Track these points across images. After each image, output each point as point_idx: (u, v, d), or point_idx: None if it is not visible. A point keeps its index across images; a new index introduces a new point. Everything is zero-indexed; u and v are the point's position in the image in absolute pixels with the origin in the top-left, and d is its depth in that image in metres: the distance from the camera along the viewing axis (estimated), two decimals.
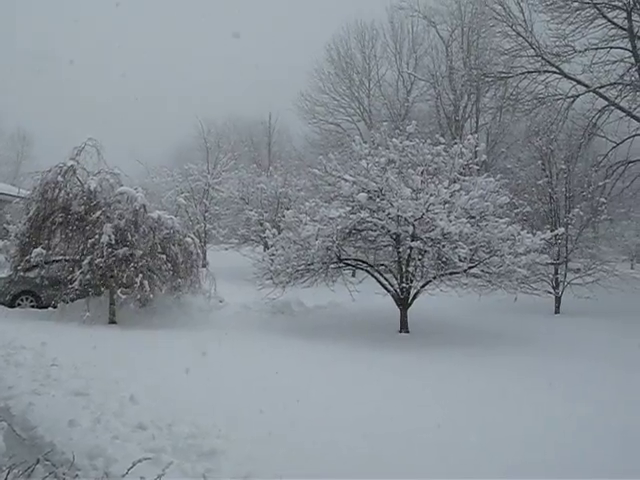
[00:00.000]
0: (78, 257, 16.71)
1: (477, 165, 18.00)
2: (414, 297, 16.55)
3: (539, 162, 22.56)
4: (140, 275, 16.09)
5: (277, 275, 16.55)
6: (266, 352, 13.17)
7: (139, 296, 16.36)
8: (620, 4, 26.70)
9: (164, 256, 16.67)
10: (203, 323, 16.74)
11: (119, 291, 16.34)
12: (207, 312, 17.73)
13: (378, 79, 39.28)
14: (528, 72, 28.88)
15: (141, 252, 16.31)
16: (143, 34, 62.64)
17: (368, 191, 15.57)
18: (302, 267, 16.32)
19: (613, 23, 27.17)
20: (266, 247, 23.89)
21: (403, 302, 16.40)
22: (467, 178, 16.61)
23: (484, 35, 34.58)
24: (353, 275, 19.88)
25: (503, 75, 29.71)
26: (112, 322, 16.53)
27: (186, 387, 9.58)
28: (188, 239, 17.61)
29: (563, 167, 22.10)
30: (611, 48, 27.61)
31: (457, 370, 11.99)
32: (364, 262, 17.14)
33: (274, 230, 18.04)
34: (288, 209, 20.66)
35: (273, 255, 17.26)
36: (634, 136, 27.58)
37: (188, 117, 42.83)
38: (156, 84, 54.75)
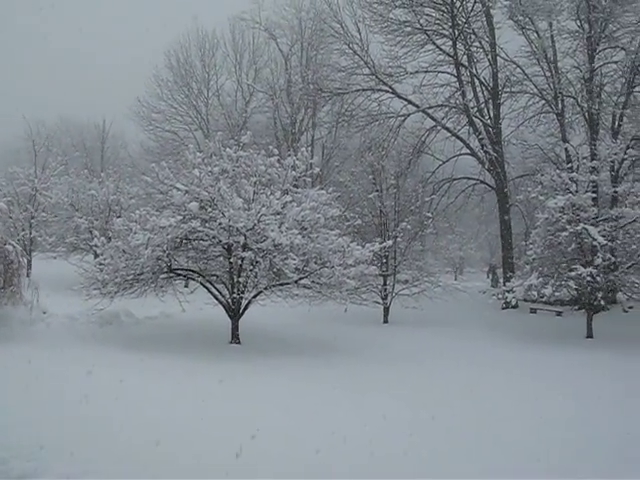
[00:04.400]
0: None
1: (310, 178, 18.30)
2: (245, 308, 16.52)
3: (370, 177, 23.38)
4: None
5: (105, 285, 15.98)
6: (90, 365, 12.60)
7: None
8: (447, 33, 28.49)
9: None
10: (24, 336, 15.69)
11: None
12: (29, 324, 16.70)
13: (217, 89, 39.14)
14: (363, 90, 29.97)
15: None
16: None
17: (200, 200, 15.40)
18: (131, 277, 15.86)
19: (441, 49, 28.91)
20: (96, 256, 22.96)
21: (234, 313, 16.33)
22: (300, 190, 16.86)
23: (322, 51, 35.51)
24: (186, 285, 19.58)
25: (339, 91, 30.63)
26: None
27: None
28: (8, 247, 16.53)
29: (393, 182, 23.05)
30: (439, 72, 29.42)
31: (283, 380, 12.06)
32: (195, 272, 16.89)
33: (103, 238, 17.41)
34: (119, 217, 20.01)
35: (102, 264, 16.66)
36: (458, 155, 29.39)
37: (15, 116, 40.08)
38: None
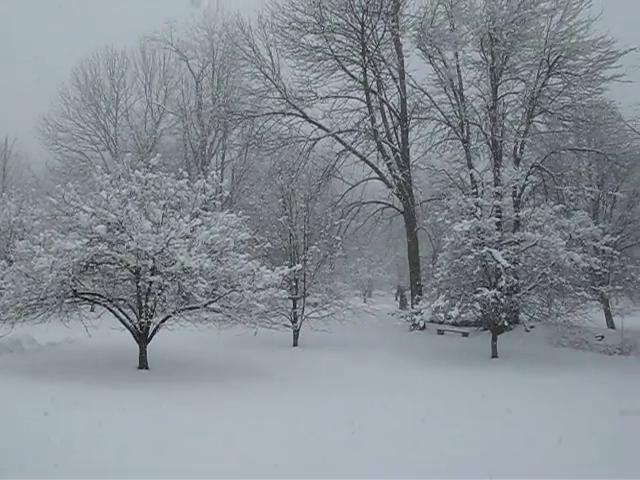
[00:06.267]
0: None
1: (220, 201, 18.23)
2: (154, 332, 16.23)
3: (280, 200, 23.44)
4: None
5: (5, 311, 15.45)
6: None
7: None
8: (357, 59, 29.10)
9: None
10: None
11: None
12: None
13: (126, 108, 38.49)
14: (274, 113, 30.19)
15: None
16: None
17: (108, 223, 15.08)
18: (34, 302, 15.36)
19: (351, 75, 29.50)
20: None
21: (142, 337, 16.01)
22: (209, 213, 16.75)
23: (234, 74, 35.60)
24: (92, 310, 19.05)
25: (250, 114, 30.76)
26: None
27: None
28: None
29: (303, 206, 23.17)
30: (349, 98, 29.98)
31: (189, 408, 11.86)
32: (102, 296, 16.44)
33: (4, 262, 16.78)
34: (22, 239, 19.33)
35: (2, 289, 16.04)
36: (368, 179, 29.92)
37: None
38: None
